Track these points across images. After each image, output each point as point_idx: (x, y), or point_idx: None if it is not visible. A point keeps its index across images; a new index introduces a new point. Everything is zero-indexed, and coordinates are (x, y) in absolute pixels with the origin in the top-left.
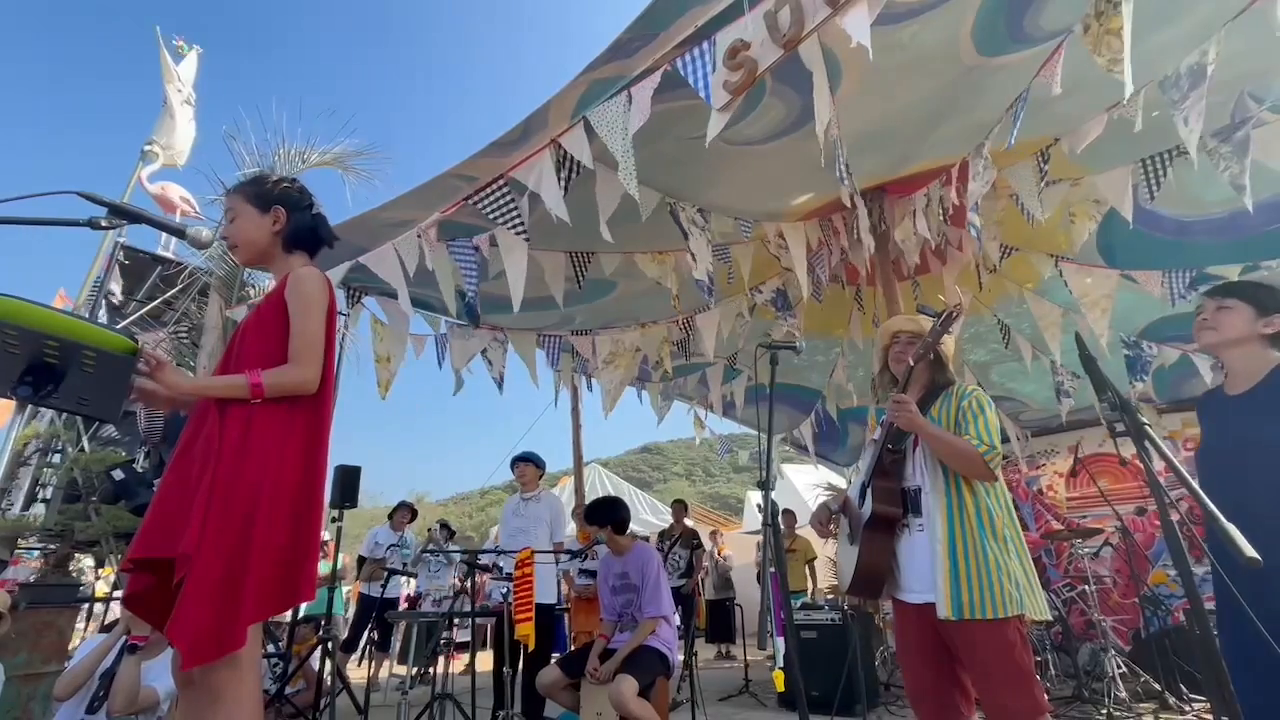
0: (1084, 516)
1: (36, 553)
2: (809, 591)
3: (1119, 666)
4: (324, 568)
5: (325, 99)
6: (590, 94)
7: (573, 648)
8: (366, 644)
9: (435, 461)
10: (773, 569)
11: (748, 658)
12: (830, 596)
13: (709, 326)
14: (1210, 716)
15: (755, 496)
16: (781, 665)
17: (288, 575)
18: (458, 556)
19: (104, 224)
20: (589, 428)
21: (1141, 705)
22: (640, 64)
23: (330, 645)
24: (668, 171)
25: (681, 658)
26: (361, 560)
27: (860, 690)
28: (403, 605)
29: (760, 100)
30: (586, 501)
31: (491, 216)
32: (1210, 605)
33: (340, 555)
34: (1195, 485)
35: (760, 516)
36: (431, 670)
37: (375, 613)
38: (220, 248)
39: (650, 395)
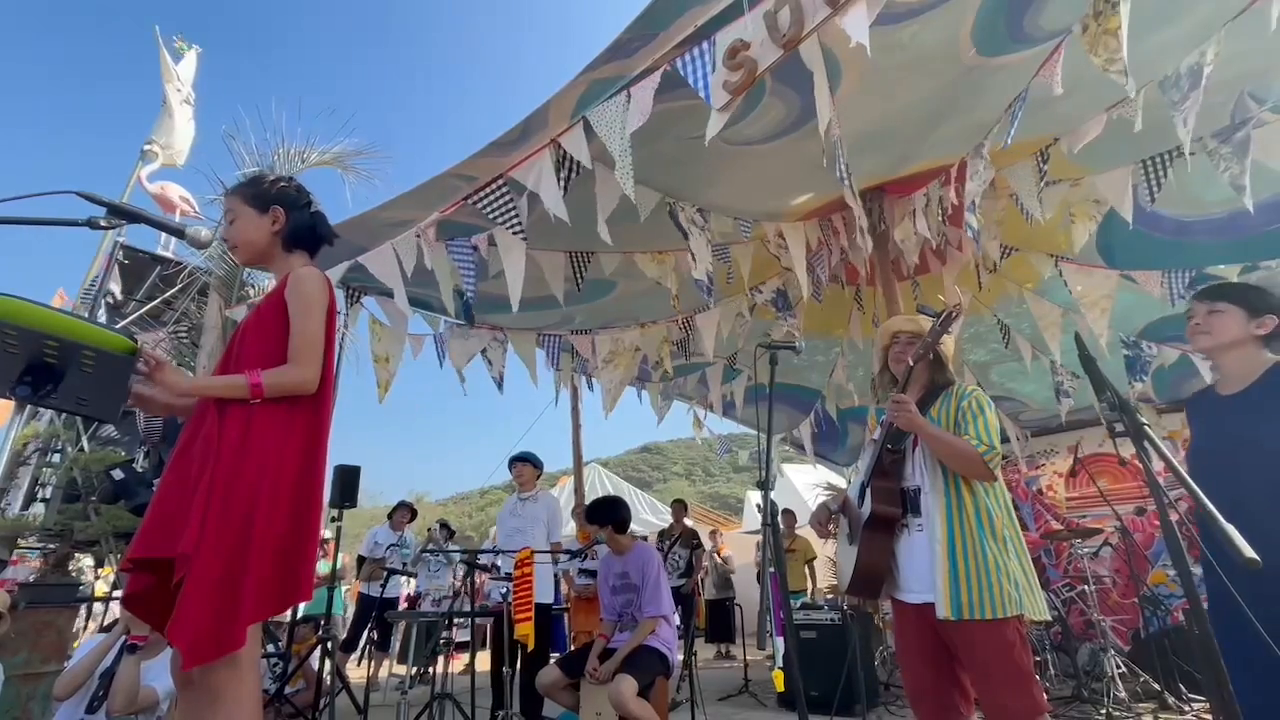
0: (1083, 516)
1: (37, 553)
2: (808, 591)
3: (1118, 666)
4: (323, 567)
5: (325, 99)
6: (590, 94)
7: (572, 648)
8: (366, 644)
9: (435, 461)
10: (772, 569)
11: (747, 657)
12: (830, 596)
13: (709, 326)
14: (1209, 716)
15: (755, 496)
16: (781, 665)
17: (287, 575)
18: (457, 556)
19: (103, 224)
20: (589, 427)
21: (1141, 705)
22: (640, 64)
23: (330, 645)
24: (667, 171)
25: (681, 657)
26: (361, 560)
27: (860, 690)
28: (402, 605)
29: (760, 100)
30: (586, 501)
31: (491, 216)
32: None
33: (340, 555)
34: (1194, 485)
35: (760, 516)
36: (431, 670)
37: (375, 612)
38: (219, 247)
39: (650, 395)
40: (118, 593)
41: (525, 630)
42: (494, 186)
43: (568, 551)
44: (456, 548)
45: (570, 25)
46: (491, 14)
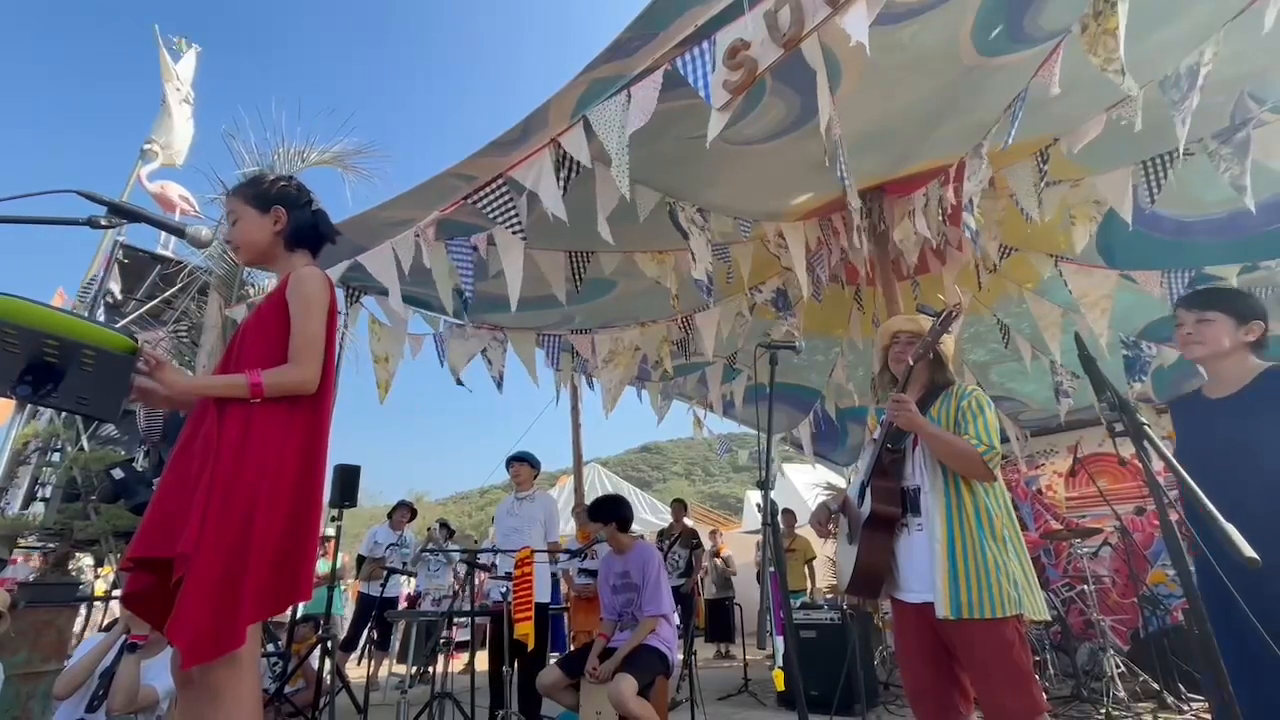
0: (1083, 516)
1: (38, 551)
2: (808, 591)
3: (1118, 666)
4: (323, 566)
5: (325, 99)
6: (590, 93)
7: (572, 647)
8: (366, 643)
9: (435, 461)
10: (772, 568)
11: (747, 657)
12: (829, 596)
13: (708, 326)
14: (1209, 716)
15: (755, 496)
16: (781, 664)
17: (286, 575)
18: (457, 556)
19: (103, 223)
20: (589, 427)
21: (1140, 705)
22: (640, 63)
23: (330, 644)
24: (667, 171)
25: (681, 657)
26: (361, 559)
27: (859, 689)
28: (402, 604)
29: (760, 100)
30: (586, 501)
31: (490, 215)
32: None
33: (340, 555)
34: (1194, 485)
35: (760, 516)
36: (431, 669)
37: (375, 612)
38: (219, 247)
39: (650, 395)
40: (117, 592)
41: (525, 630)
42: (493, 186)
43: (568, 551)
44: (456, 547)
45: (570, 25)
46: (491, 14)
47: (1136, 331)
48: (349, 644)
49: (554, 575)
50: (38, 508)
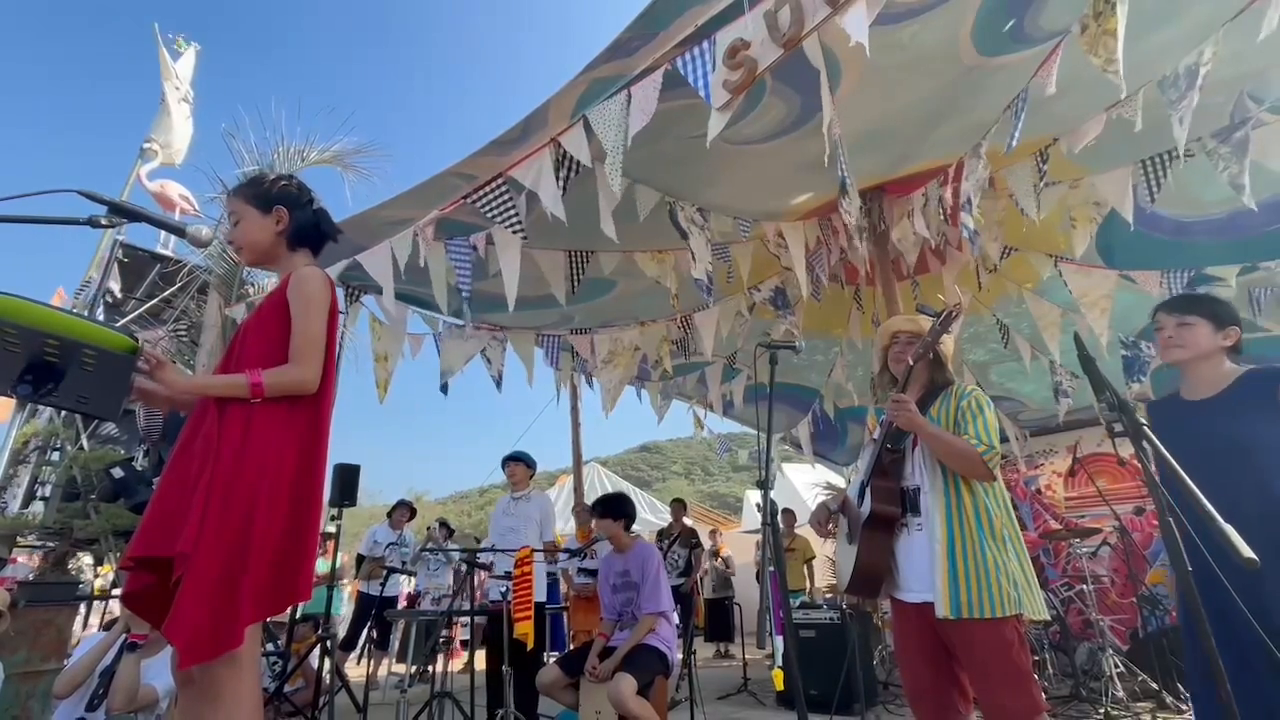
0: (1082, 516)
1: (39, 550)
2: (807, 591)
3: (1116, 666)
4: (322, 566)
5: (324, 98)
6: (590, 93)
7: (571, 647)
8: (365, 642)
9: (434, 460)
10: (772, 568)
11: (746, 657)
12: (829, 596)
13: (708, 325)
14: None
15: (754, 496)
16: (780, 664)
17: (286, 575)
18: (456, 555)
19: (104, 222)
20: (588, 426)
21: (1139, 704)
22: (640, 63)
23: (329, 643)
24: (667, 171)
25: (680, 656)
26: (360, 559)
27: (859, 689)
28: (402, 604)
29: (760, 100)
30: (586, 500)
31: (489, 215)
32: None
33: (340, 555)
34: (1191, 485)
35: (759, 515)
36: (430, 669)
37: (374, 611)
38: (219, 246)
39: (650, 394)
40: (117, 591)
41: (525, 629)
42: (493, 185)
43: (567, 550)
44: (456, 546)
45: (570, 25)
46: (491, 14)
47: (1135, 332)
48: (348, 643)
49: (552, 575)
50: (37, 507)
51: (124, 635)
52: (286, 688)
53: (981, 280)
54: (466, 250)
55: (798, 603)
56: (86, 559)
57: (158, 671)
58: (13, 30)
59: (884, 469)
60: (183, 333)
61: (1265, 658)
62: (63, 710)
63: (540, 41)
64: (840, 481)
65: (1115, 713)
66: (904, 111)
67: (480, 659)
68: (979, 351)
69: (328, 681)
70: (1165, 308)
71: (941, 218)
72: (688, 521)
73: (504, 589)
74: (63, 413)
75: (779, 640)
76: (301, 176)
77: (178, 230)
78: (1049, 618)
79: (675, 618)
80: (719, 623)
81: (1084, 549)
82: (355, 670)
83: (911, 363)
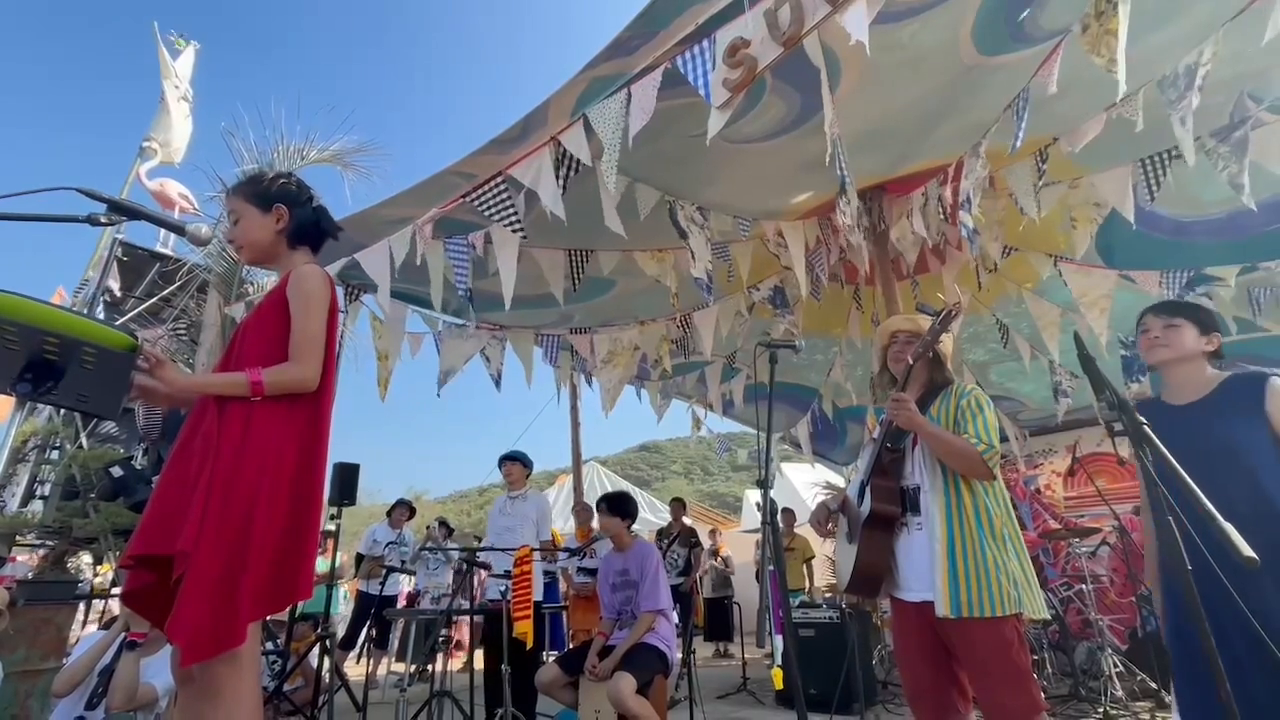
0: (1081, 516)
1: (41, 549)
2: (807, 590)
3: (1116, 665)
4: (321, 565)
5: (324, 97)
6: (590, 92)
7: (571, 645)
8: (365, 641)
9: (434, 460)
10: (771, 567)
11: (745, 656)
12: (828, 595)
13: (707, 325)
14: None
15: (753, 495)
16: (780, 663)
17: (286, 573)
18: (455, 554)
19: (103, 220)
20: (588, 426)
21: (1138, 704)
22: (640, 62)
23: (328, 642)
24: (667, 170)
25: (680, 655)
26: (360, 558)
27: (858, 688)
28: (401, 603)
29: (760, 98)
30: (585, 500)
31: (487, 213)
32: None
33: (339, 554)
34: (1192, 484)
35: (759, 515)
36: (430, 668)
37: (374, 610)
38: (218, 245)
39: (649, 394)
40: (116, 590)
41: (524, 628)
42: (492, 184)
43: (567, 549)
44: (455, 545)
45: (570, 25)
46: (491, 14)
47: (1135, 332)
48: (348, 642)
49: (550, 574)
50: (36, 505)
51: (123, 634)
52: (286, 686)
53: (981, 280)
54: (465, 249)
55: (797, 602)
56: (86, 558)
57: (157, 670)
58: (12, 30)
59: (884, 468)
60: (182, 331)
61: (1257, 658)
62: (62, 709)
63: (540, 41)
64: (840, 481)
65: (1114, 712)
66: (904, 110)
67: (479, 658)
68: (978, 351)
69: (327, 680)
70: (1152, 310)
71: (941, 217)
72: (687, 521)
73: (503, 588)
74: (62, 411)
75: (778, 639)
76: (301, 175)
77: (177, 228)
78: (1048, 617)
79: (675, 617)
80: (718, 622)
81: (1083, 549)
82: (354, 669)
83: (911, 362)
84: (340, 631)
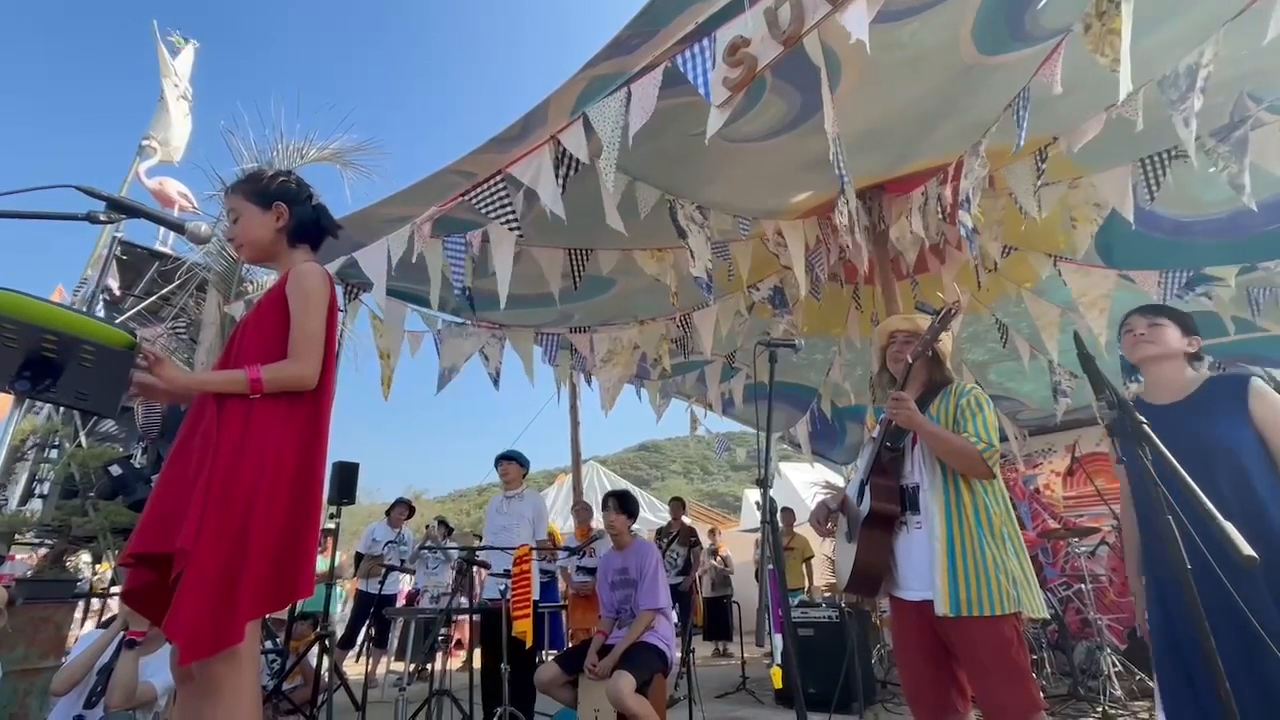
0: (1080, 515)
1: (40, 548)
2: (806, 589)
3: (1114, 665)
4: (321, 564)
5: (323, 97)
6: (590, 90)
7: (570, 644)
8: (364, 641)
9: (433, 459)
10: (771, 566)
11: (745, 655)
12: (828, 594)
13: (707, 324)
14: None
15: (753, 494)
16: (779, 662)
17: (286, 571)
18: (455, 553)
19: (102, 218)
20: (587, 425)
21: (1136, 703)
22: (640, 60)
23: (327, 641)
24: (667, 169)
25: (679, 655)
26: (359, 557)
27: (857, 688)
28: (401, 602)
29: (760, 97)
30: (585, 499)
31: (486, 212)
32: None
33: (338, 554)
34: (1191, 483)
35: (758, 514)
36: (429, 667)
37: (373, 609)
38: (218, 243)
39: (649, 393)
40: (115, 588)
41: (524, 627)
42: (491, 183)
43: (566, 548)
44: (455, 544)
45: (570, 25)
46: (490, 14)
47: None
48: (347, 641)
49: (548, 574)
50: (36, 504)
51: (122, 632)
52: (285, 685)
53: (981, 280)
54: (462, 247)
55: (796, 601)
56: (85, 556)
57: (156, 669)
58: (12, 29)
59: (883, 467)
60: (181, 330)
61: (1246, 654)
62: (61, 707)
63: (540, 42)
64: (839, 480)
65: (1113, 711)
66: (904, 110)
67: (478, 657)
68: (978, 351)
69: (326, 679)
70: (1137, 311)
71: (940, 217)
72: (686, 520)
73: (502, 587)
74: (61, 409)
75: (778, 639)
76: (300, 174)
77: (177, 226)
78: (1047, 616)
79: (674, 616)
80: (717, 621)
81: (1082, 548)
82: (354, 668)
83: (910, 360)
84: (339, 630)
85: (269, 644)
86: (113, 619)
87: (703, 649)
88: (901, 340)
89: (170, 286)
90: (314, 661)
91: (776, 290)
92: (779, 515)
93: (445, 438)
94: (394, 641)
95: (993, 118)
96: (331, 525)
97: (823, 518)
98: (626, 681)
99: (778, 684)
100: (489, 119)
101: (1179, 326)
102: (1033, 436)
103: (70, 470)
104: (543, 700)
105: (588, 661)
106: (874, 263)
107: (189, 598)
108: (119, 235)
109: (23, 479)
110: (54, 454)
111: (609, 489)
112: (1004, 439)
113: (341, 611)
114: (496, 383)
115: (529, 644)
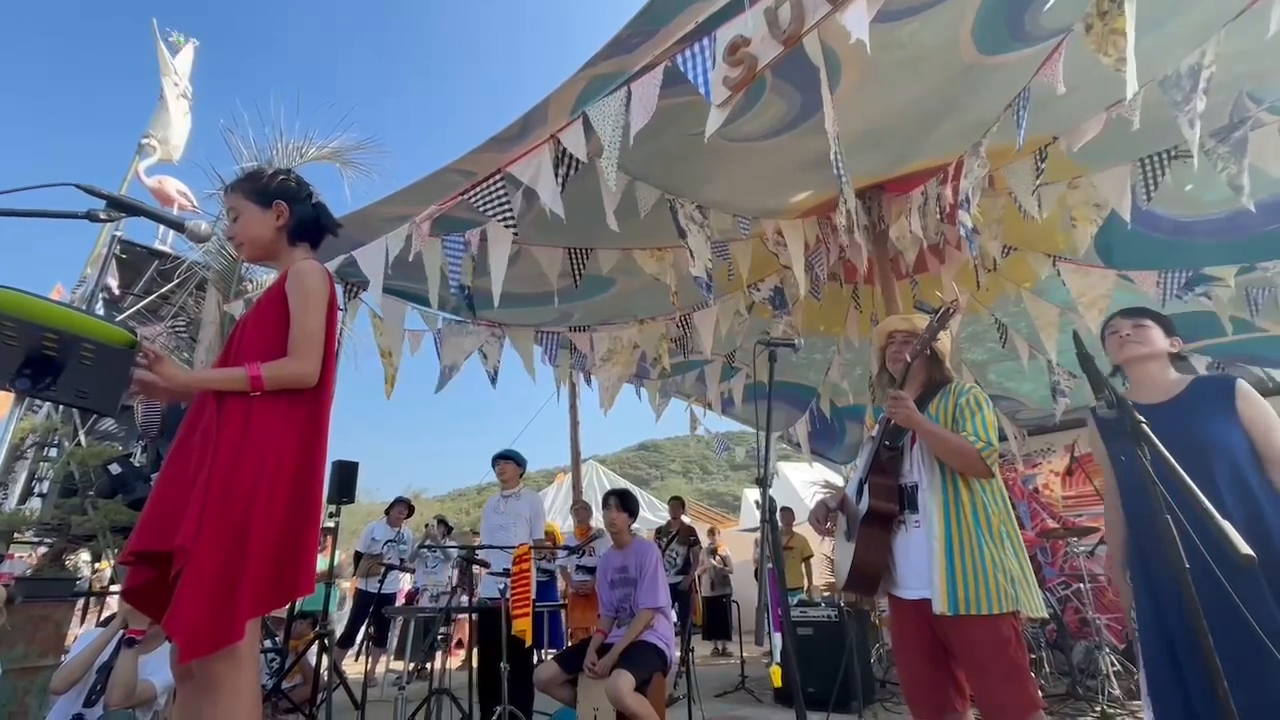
0: (1079, 515)
1: (39, 546)
2: (805, 588)
3: (1113, 664)
4: (321, 563)
5: (323, 96)
6: (590, 90)
7: (569, 643)
8: (364, 639)
9: (432, 458)
10: (770, 565)
11: (744, 654)
12: (827, 593)
13: (706, 324)
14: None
15: (752, 494)
16: (778, 661)
17: (286, 569)
18: (455, 552)
19: (102, 216)
20: (587, 425)
21: (1135, 703)
22: (640, 60)
23: (327, 640)
24: (667, 168)
25: (678, 654)
26: (358, 556)
27: (856, 687)
28: (400, 601)
29: (760, 97)
30: (584, 499)
31: (484, 211)
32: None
33: (338, 552)
34: (1190, 482)
35: (757, 513)
36: (428, 666)
37: (372, 608)
38: (218, 241)
39: (648, 392)
40: (115, 587)
41: (523, 626)
42: (490, 182)
43: (565, 547)
44: (454, 543)
45: (570, 25)
46: (491, 13)
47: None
48: (346, 640)
49: (546, 573)
50: (35, 502)
51: (121, 630)
52: (284, 684)
53: (980, 279)
54: (461, 246)
55: (796, 600)
56: (84, 555)
57: (156, 667)
58: (12, 29)
59: (882, 466)
60: (181, 329)
61: (1240, 653)
62: (60, 706)
63: (540, 42)
64: (838, 480)
65: (1111, 711)
66: (904, 110)
67: (476, 656)
68: (977, 351)
69: (325, 678)
70: (1119, 314)
71: (940, 217)
72: (686, 520)
73: (501, 586)
74: (61, 408)
75: (777, 638)
76: (300, 172)
77: (176, 225)
78: (1046, 616)
79: (673, 615)
80: (717, 621)
81: (1081, 548)
82: (353, 667)
83: (909, 359)
84: (339, 629)
85: (268, 642)
86: (112, 617)
87: (702, 648)
88: (900, 340)
89: (170, 285)
90: (313, 660)
91: (776, 290)
92: (778, 514)
93: (445, 437)
94: (393, 640)
95: (993, 117)
96: (331, 524)
97: (822, 517)
98: (626, 680)
99: (777, 683)
100: (489, 119)
101: (1162, 327)
102: (1032, 436)
103: (70, 469)
104: (541, 699)
105: (587, 660)
106: (873, 262)
107: (189, 595)
108: (119, 234)
109: (22, 477)
110: (53, 452)
111: (609, 488)
112: (1003, 438)
113: (339, 610)
114: (494, 381)
115: (528, 643)
